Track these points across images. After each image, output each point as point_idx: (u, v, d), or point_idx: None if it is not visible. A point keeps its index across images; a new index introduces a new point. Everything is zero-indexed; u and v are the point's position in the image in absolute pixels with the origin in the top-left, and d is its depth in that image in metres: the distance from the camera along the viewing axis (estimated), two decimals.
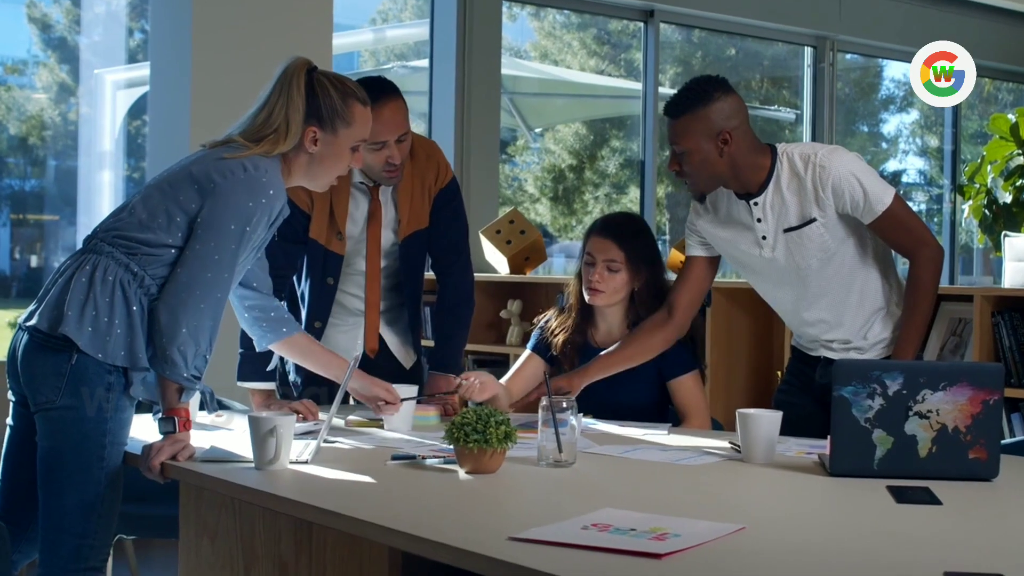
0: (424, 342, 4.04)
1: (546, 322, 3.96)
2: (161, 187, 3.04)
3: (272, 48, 5.49)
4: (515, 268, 6.24)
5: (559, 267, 8.18)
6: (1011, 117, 8.61)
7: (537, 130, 9.26)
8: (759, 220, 3.46)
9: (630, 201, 9.25)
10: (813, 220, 3.40)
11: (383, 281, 3.88)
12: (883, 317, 3.50)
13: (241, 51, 5.56)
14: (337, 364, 3.42)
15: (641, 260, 3.77)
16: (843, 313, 3.50)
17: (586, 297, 3.81)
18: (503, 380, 3.87)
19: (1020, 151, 8.59)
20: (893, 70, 10.68)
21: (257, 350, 3.42)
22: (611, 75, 9.37)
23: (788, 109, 9.74)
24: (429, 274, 3.96)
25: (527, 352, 3.96)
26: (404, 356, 3.95)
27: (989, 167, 8.38)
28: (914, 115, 10.96)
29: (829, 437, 3.04)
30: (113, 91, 7.35)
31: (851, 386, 2.77)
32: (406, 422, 3.46)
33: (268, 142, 3.04)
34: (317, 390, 3.76)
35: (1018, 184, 8.52)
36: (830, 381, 3.46)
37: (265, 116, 3.07)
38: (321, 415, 3.46)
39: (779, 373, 5.20)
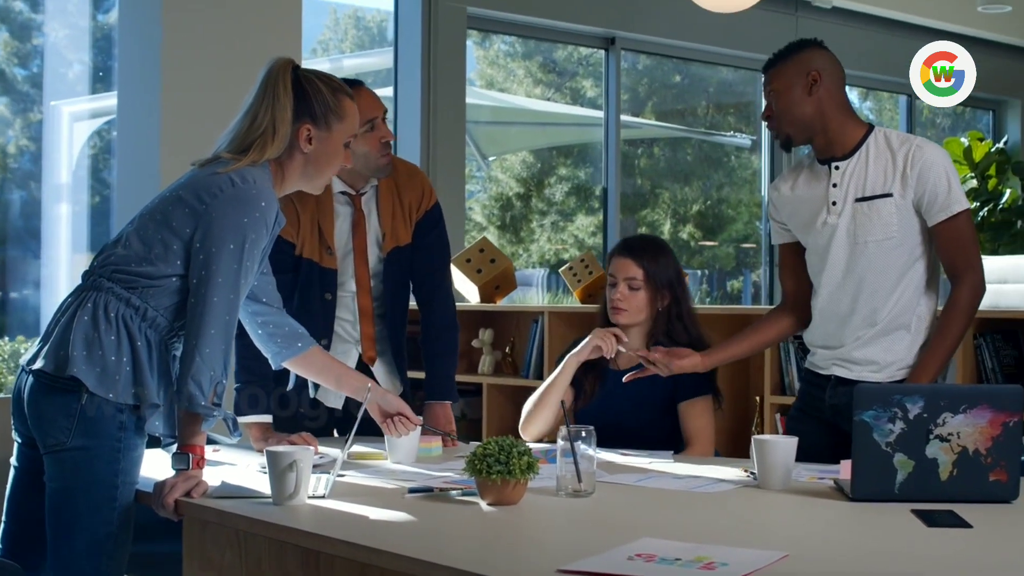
0: (411, 372, 4.01)
1: (573, 346, 3.93)
2: (153, 216, 2.98)
3: (241, 72, 5.44)
4: (485, 297, 6.22)
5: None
6: (964, 141, 8.75)
7: (491, 158, 9.26)
8: (835, 185, 3.48)
9: (577, 229, 9.27)
10: (889, 195, 3.40)
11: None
12: (908, 332, 3.47)
13: (210, 77, 5.53)
14: (353, 378, 3.38)
15: (662, 280, 3.81)
16: (877, 310, 3.46)
17: (610, 317, 3.81)
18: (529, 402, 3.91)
19: (973, 174, 8.74)
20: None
21: (273, 367, 3.37)
22: (559, 102, 9.40)
23: (745, 135, 9.81)
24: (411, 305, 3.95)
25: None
26: (391, 387, 3.91)
27: None
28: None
29: (842, 462, 3.06)
30: (70, 123, 7.28)
31: (872, 410, 2.77)
32: (411, 454, 3.43)
33: (255, 149, 2.98)
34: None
35: (972, 207, 8.64)
36: (840, 401, 3.50)
37: (249, 121, 3.01)
38: (323, 448, 3.42)
39: (757, 399, 5.22)
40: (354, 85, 3.59)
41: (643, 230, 9.21)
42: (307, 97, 3.03)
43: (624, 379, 3.68)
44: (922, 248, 3.45)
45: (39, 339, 2.99)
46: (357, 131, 3.16)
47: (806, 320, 3.69)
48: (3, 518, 3.09)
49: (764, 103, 3.56)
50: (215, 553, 2.95)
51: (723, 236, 10.29)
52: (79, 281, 3.04)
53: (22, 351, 6.78)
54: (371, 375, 3.83)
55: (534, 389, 5.80)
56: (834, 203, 3.48)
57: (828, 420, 3.54)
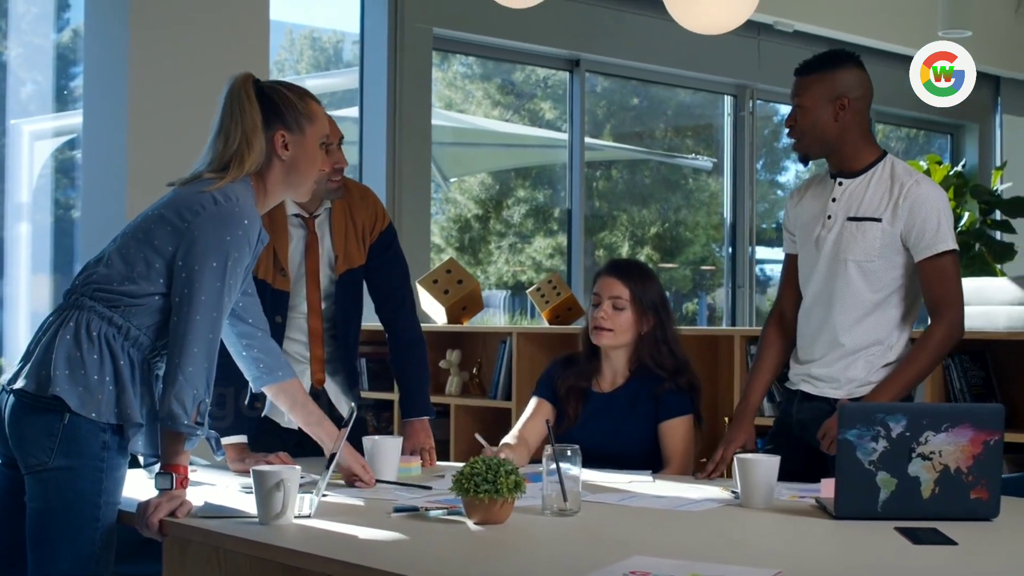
0: (370, 393, 4.00)
1: (553, 367, 3.93)
2: (136, 235, 2.97)
3: (209, 91, 5.43)
4: (453, 318, 6.21)
5: None
6: (923, 164, 8.82)
7: (452, 180, 9.27)
8: (834, 199, 3.53)
9: (535, 251, 9.28)
10: (878, 220, 3.44)
11: (323, 324, 3.85)
12: (873, 357, 3.50)
13: (177, 96, 5.52)
14: (320, 424, 3.33)
15: (648, 303, 3.80)
16: (844, 332, 3.50)
17: (592, 338, 3.81)
18: (515, 430, 3.88)
19: None
20: None
21: (253, 391, 3.35)
22: (517, 123, 9.42)
23: (706, 157, 9.86)
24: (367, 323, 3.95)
25: (535, 400, 3.94)
26: (342, 407, 3.88)
27: None
28: (814, 164, 11.15)
29: (823, 480, 3.08)
30: (31, 142, 7.24)
31: (855, 429, 2.79)
32: (391, 473, 3.43)
33: (234, 166, 2.97)
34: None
35: None
36: (805, 417, 3.55)
37: (223, 140, 3.00)
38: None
39: (726, 419, 5.24)
40: (317, 101, 3.62)
41: (601, 252, 9.24)
42: (275, 105, 3.03)
43: (699, 477, 3.56)
44: (900, 282, 3.49)
45: (20, 358, 2.96)
46: (327, 133, 3.15)
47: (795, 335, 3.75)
48: None
49: (790, 109, 3.59)
50: (195, 573, 2.94)
51: (681, 258, 10.33)
52: (39, 301, 3.01)
53: None
54: (321, 396, 3.82)
55: (502, 410, 5.85)
56: (829, 217, 3.54)
57: (798, 436, 3.57)
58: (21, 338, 6.67)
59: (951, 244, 3.44)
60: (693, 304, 10.68)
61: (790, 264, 3.76)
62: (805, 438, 3.55)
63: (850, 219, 3.49)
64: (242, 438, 3.63)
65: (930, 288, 3.46)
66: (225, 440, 3.57)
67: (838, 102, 3.47)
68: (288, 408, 3.39)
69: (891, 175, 3.49)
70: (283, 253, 3.75)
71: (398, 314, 3.94)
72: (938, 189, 3.50)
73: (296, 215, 3.77)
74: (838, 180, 3.55)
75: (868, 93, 3.55)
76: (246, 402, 3.70)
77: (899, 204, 3.43)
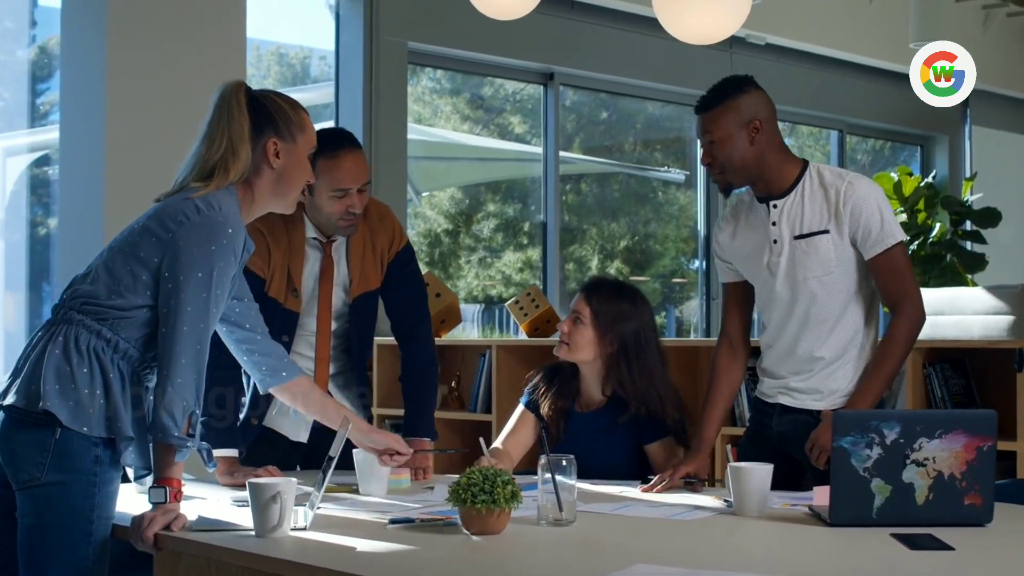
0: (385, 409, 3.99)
1: (533, 386, 3.92)
2: (122, 248, 2.94)
3: (186, 105, 5.45)
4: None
5: None
6: (894, 175, 8.89)
7: (425, 194, 9.26)
8: (774, 223, 3.51)
9: (504, 265, 9.28)
10: (826, 232, 3.44)
11: (333, 341, 3.84)
12: (849, 363, 3.52)
13: (154, 111, 5.51)
14: (336, 412, 3.35)
15: (610, 324, 3.73)
16: (820, 345, 3.51)
17: (554, 350, 3.81)
18: (498, 441, 3.86)
19: (903, 209, 8.88)
20: None
21: (260, 392, 3.36)
22: (486, 137, 9.42)
23: (679, 170, 9.89)
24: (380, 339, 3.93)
25: (520, 409, 3.92)
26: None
27: None
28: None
29: (815, 488, 3.10)
30: (3, 158, 7.21)
31: (850, 436, 2.80)
32: (382, 486, 3.42)
33: (219, 174, 2.94)
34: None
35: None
36: (785, 429, 3.56)
37: (207, 146, 2.96)
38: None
39: None
40: (348, 144, 3.65)
41: (570, 266, 9.25)
42: (268, 112, 3.00)
43: (641, 490, 3.49)
44: (862, 282, 3.51)
45: (9, 375, 2.93)
46: (315, 145, 3.13)
47: (748, 355, 3.76)
48: None
49: (700, 147, 3.54)
50: None
51: (651, 271, 10.35)
52: (13, 319, 2.99)
53: None
54: None
55: (482, 423, 5.85)
56: (775, 241, 3.52)
57: (776, 447, 3.57)
58: None
59: (899, 236, 3.45)
60: (661, 317, 10.71)
61: (730, 292, 3.75)
62: (785, 449, 3.56)
63: (797, 238, 3.48)
64: (233, 452, 3.61)
65: (885, 284, 3.48)
66: (217, 453, 3.55)
67: (751, 126, 3.44)
68: (302, 408, 3.39)
69: (822, 184, 3.48)
70: (297, 275, 3.74)
71: (415, 333, 3.92)
72: (871, 184, 3.50)
73: (314, 238, 3.76)
74: (771, 204, 3.52)
75: (773, 110, 3.52)
76: (241, 415, 3.70)
77: (840, 210, 3.43)
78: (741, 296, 3.72)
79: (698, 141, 3.57)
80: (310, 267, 3.77)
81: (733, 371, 3.74)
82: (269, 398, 3.70)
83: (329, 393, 3.77)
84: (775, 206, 3.51)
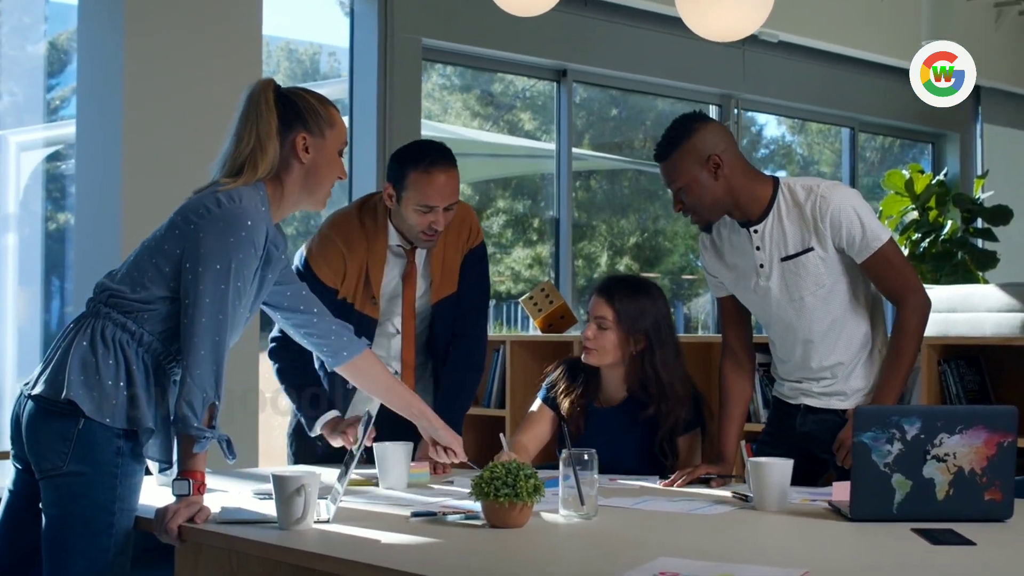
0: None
1: (552, 382, 3.93)
2: (150, 243, 2.98)
3: (202, 101, 5.48)
4: None
5: None
6: (905, 173, 8.89)
7: None
8: (758, 248, 3.49)
9: (514, 261, 9.28)
10: (811, 249, 3.43)
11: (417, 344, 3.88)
12: (865, 362, 3.53)
13: (171, 106, 5.51)
14: (407, 400, 3.45)
15: (636, 324, 3.73)
16: (831, 355, 3.52)
17: (582, 356, 3.80)
18: (516, 435, 3.87)
19: (914, 206, 8.88)
20: (771, 129, 10.91)
21: (328, 370, 3.42)
22: (495, 133, 9.42)
23: None
24: None
25: (538, 404, 3.92)
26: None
27: (886, 222, 8.63)
28: (793, 172, 11.18)
29: (835, 484, 3.11)
30: (17, 153, 7.22)
31: (871, 432, 2.81)
32: (402, 479, 3.43)
33: (248, 170, 2.96)
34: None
35: (914, 238, 8.80)
36: (810, 429, 3.57)
37: (235, 143, 2.99)
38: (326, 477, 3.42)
39: None
40: (445, 161, 3.64)
41: (580, 262, 9.26)
42: (296, 108, 3.02)
43: (662, 485, 3.50)
44: (858, 284, 3.51)
45: (39, 365, 2.96)
46: (346, 141, 3.14)
47: (754, 364, 3.77)
48: None
49: (672, 195, 3.49)
50: None
51: (660, 268, 10.36)
52: (27, 313, 3.02)
53: None
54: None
55: (496, 418, 5.86)
56: (762, 266, 3.51)
57: (799, 446, 3.58)
58: (9, 348, 6.65)
59: (883, 236, 3.43)
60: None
61: (726, 306, 3.73)
62: (808, 448, 3.57)
63: (784, 259, 3.47)
64: (333, 413, 3.62)
65: (883, 281, 3.48)
66: (320, 421, 3.58)
67: (710, 162, 3.40)
68: (365, 385, 3.45)
69: (795, 202, 3.45)
70: (377, 282, 3.75)
71: (469, 333, 3.92)
72: (844, 190, 3.48)
73: (398, 245, 3.77)
74: (752, 229, 3.50)
75: (728, 137, 3.48)
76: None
77: (819, 225, 3.41)
78: (736, 309, 3.72)
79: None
80: (392, 273, 3.78)
81: (742, 384, 3.73)
82: (346, 400, 3.75)
83: None
84: (756, 231, 3.50)
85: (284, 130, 2.99)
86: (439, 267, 3.82)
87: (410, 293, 3.80)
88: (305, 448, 3.90)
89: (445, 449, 3.48)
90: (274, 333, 3.71)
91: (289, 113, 3.00)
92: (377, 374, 3.41)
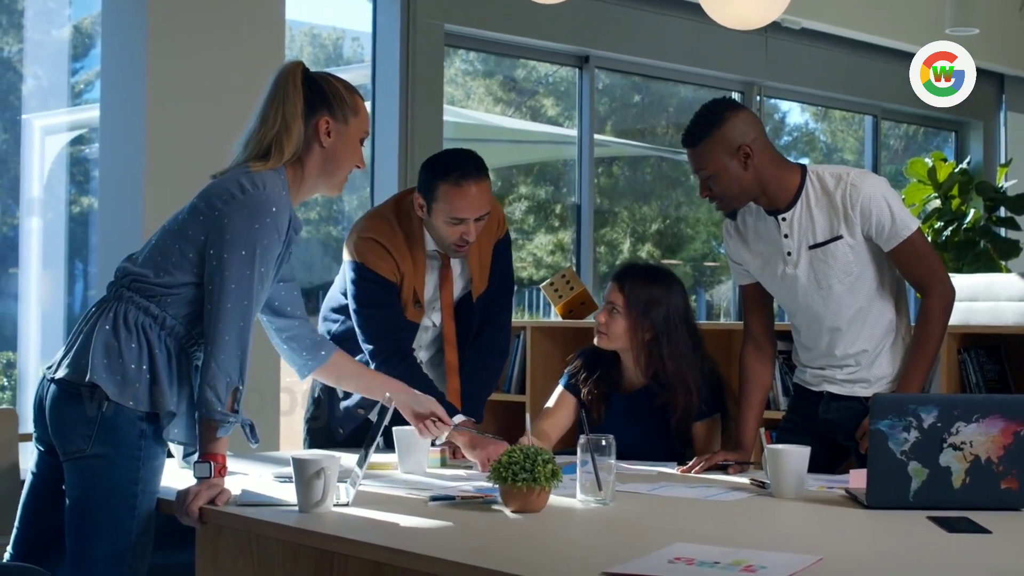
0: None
1: (573, 369, 3.95)
2: (172, 228, 3.01)
3: (225, 85, 5.50)
4: None
5: None
6: (928, 161, 8.86)
7: None
8: (786, 236, 3.50)
9: (536, 247, 9.29)
10: (839, 237, 3.44)
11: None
12: (889, 349, 3.54)
13: (194, 90, 5.54)
14: (380, 383, 3.40)
15: (645, 311, 3.76)
16: (856, 343, 3.53)
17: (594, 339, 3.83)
18: (538, 421, 3.89)
19: (937, 194, 8.84)
20: (795, 116, 10.89)
21: (299, 379, 3.39)
22: (517, 118, 9.42)
23: None
24: None
25: (560, 390, 3.95)
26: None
27: (908, 210, 8.59)
28: (816, 160, 11.16)
29: (852, 471, 3.12)
30: (41, 137, 7.26)
31: (888, 419, 2.82)
32: (421, 464, 3.46)
33: (275, 153, 2.98)
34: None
35: (936, 227, 8.76)
36: (833, 416, 3.57)
37: (261, 124, 3.01)
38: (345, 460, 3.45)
39: None
40: (476, 173, 3.64)
41: (602, 249, 9.27)
42: (322, 92, 3.04)
43: (679, 471, 3.53)
44: (885, 272, 3.52)
45: (63, 348, 2.99)
46: (368, 131, 3.16)
47: (775, 352, 3.77)
48: (16, 524, 3.08)
49: (698, 181, 3.50)
50: (227, 562, 2.96)
51: (682, 255, 10.36)
52: (51, 295, 3.04)
53: None
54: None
55: (516, 404, 5.87)
56: (789, 253, 3.52)
57: (820, 434, 3.59)
58: (32, 331, 6.70)
59: (912, 225, 3.44)
60: (691, 301, 10.70)
61: (748, 294, 3.74)
62: (829, 435, 3.59)
63: (812, 247, 3.48)
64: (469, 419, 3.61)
65: (910, 269, 3.49)
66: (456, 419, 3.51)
67: (740, 153, 3.40)
68: (347, 383, 3.47)
69: (824, 190, 3.45)
70: (421, 288, 3.78)
71: (494, 320, 3.96)
72: (874, 179, 3.48)
73: (434, 250, 3.79)
74: (779, 217, 3.50)
75: (758, 126, 3.48)
76: (348, 403, 3.82)
77: (849, 214, 3.41)
78: (759, 296, 3.73)
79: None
80: (431, 276, 3.81)
81: (763, 371, 3.74)
82: None
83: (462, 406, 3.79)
84: (784, 219, 3.50)
85: (309, 113, 3.01)
86: (476, 264, 3.85)
87: (448, 296, 3.83)
88: (322, 434, 3.93)
89: (433, 422, 3.38)
90: (371, 346, 3.73)
91: (315, 96, 3.02)
92: (345, 367, 3.38)
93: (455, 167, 3.62)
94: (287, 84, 3.01)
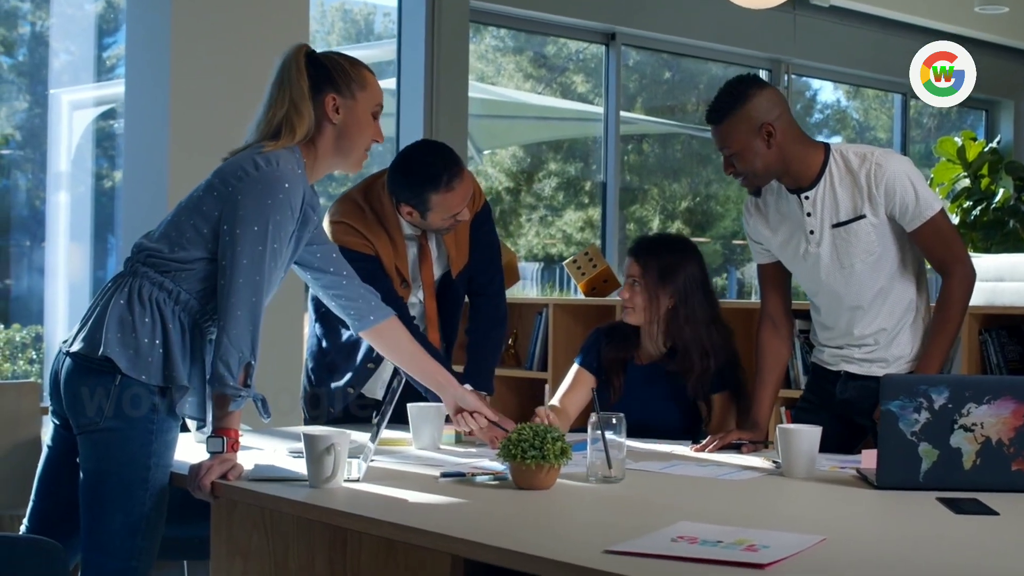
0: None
1: (597, 336, 3.97)
2: (188, 205, 3.03)
3: (249, 61, 5.50)
4: None
5: None
6: (957, 140, 8.81)
7: (487, 152, 9.29)
8: (808, 214, 3.50)
9: (565, 224, 9.30)
10: (863, 216, 3.44)
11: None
12: (908, 328, 3.54)
13: (218, 66, 5.54)
14: (434, 372, 3.46)
15: (663, 280, 3.77)
16: (876, 322, 3.53)
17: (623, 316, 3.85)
18: (555, 399, 3.91)
19: (966, 173, 8.81)
20: (826, 94, 10.83)
21: (354, 334, 3.44)
22: (549, 96, 9.41)
23: None
24: None
25: (576, 368, 3.96)
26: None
27: (937, 189, 8.57)
28: (849, 138, 11.11)
29: (864, 452, 3.12)
30: (70, 111, 7.29)
31: (898, 400, 2.82)
32: (435, 440, 3.48)
33: (286, 133, 3.01)
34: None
35: (965, 206, 8.73)
36: (850, 396, 3.57)
37: (268, 108, 3.04)
38: (355, 436, 3.47)
39: None
40: (457, 170, 3.68)
41: (631, 226, 9.26)
42: (326, 71, 3.07)
43: (693, 450, 3.52)
44: (907, 252, 3.51)
45: (79, 323, 3.02)
46: (381, 101, 3.17)
47: (793, 331, 3.77)
48: (32, 497, 3.11)
49: (722, 158, 3.51)
50: (242, 536, 2.99)
51: (712, 232, 10.35)
52: (78, 269, 3.07)
53: (18, 339, 6.80)
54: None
55: (538, 380, 5.90)
56: (812, 232, 3.51)
57: (838, 413, 3.59)
58: (60, 305, 6.75)
59: (936, 205, 3.44)
60: (722, 279, 10.70)
61: (766, 273, 3.74)
62: (847, 415, 3.59)
63: (836, 226, 3.48)
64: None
65: (932, 250, 3.49)
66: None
67: (763, 131, 3.40)
68: (392, 359, 3.49)
69: (848, 169, 3.45)
70: (404, 268, 3.82)
71: (487, 290, 4.00)
72: (898, 159, 3.48)
73: (411, 234, 3.83)
74: (803, 196, 3.50)
75: (782, 103, 3.47)
76: (341, 383, 3.85)
77: (873, 193, 3.41)
78: (777, 275, 3.73)
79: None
80: (412, 257, 3.85)
81: (780, 350, 3.74)
82: (368, 372, 3.83)
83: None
84: (807, 197, 3.50)
85: (315, 92, 3.04)
86: (453, 241, 3.88)
87: (428, 274, 3.87)
88: (314, 411, 3.99)
89: (472, 415, 3.45)
90: None
91: (319, 76, 3.05)
92: (401, 341, 3.42)
93: (438, 175, 3.65)
94: (291, 66, 3.04)
